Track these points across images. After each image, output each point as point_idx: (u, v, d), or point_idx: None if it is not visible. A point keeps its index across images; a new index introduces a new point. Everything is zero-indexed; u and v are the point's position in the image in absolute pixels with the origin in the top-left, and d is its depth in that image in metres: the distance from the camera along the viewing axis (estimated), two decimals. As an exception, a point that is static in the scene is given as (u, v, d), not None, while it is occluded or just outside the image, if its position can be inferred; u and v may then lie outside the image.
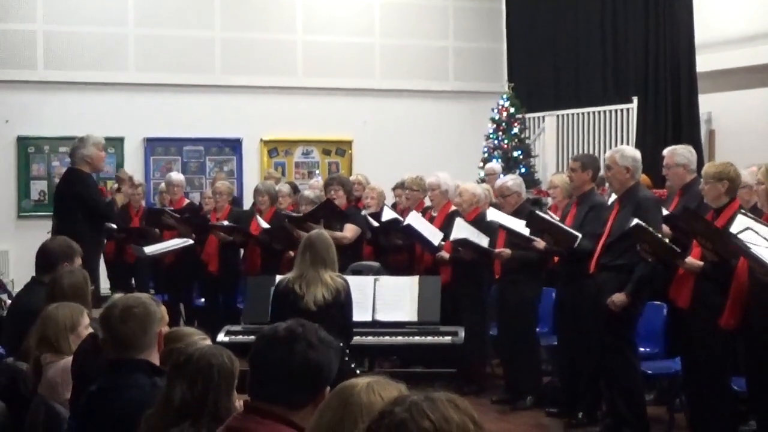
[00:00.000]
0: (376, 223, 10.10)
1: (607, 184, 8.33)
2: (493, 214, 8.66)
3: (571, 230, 7.88)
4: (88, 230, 8.91)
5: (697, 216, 6.80)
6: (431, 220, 9.72)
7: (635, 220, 6.97)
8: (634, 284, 7.29)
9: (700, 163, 8.25)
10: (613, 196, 8.22)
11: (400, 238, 9.92)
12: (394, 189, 11.35)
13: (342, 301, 6.63)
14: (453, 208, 9.66)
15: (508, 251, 8.67)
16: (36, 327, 5.03)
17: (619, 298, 7.29)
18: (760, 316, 6.21)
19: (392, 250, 10.11)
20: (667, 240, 7.09)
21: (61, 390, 4.71)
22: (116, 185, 10.04)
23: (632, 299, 7.32)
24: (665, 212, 7.54)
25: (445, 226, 9.38)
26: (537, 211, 8.27)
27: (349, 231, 9.74)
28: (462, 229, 8.93)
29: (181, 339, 4.12)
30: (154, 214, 11.70)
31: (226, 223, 10.81)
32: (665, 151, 8.11)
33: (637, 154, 7.77)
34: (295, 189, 12.10)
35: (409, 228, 9.36)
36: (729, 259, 6.47)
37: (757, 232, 6.06)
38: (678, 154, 7.94)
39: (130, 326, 3.96)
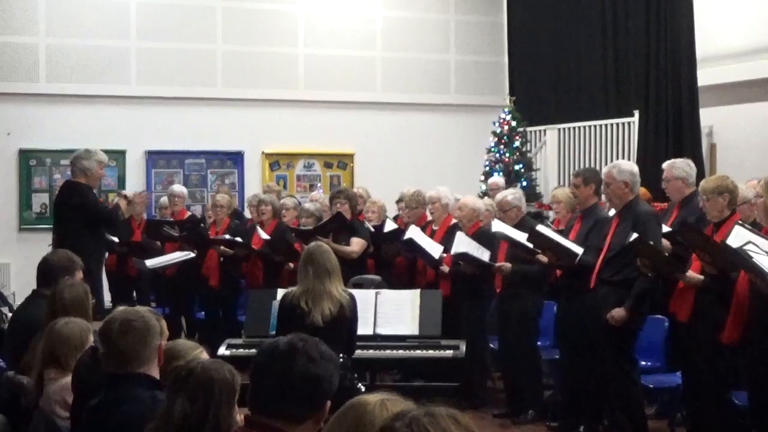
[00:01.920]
0: (372, 229, 10.12)
1: (604, 197, 8.31)
2: (498, 226, 8.65)
3: (572, 247, 7.86)
4: (89, 243, 8.94)
5: (695, 230, 6.80)
6: (432, 234, 9.71)
7: (635, 234, 6.97)
8: (633, 299, 7.28)
9: (702, 177, 8.25)
10: (612, 210, 8.23)
11: (402, 251, 9.93)
12: (397, 203, 11.34)
13: (349, 317, 6.58)
14: (454, 221, 9.65)
15: (508, 265, 8.65)
16: (42, 341, 5.00)
17: (618, 313, 7.29)
18: (761, 330, 6.20)
19: (393, 255, 10.12)
20: (667, 254, 7.09)
21: (60, 408, 4.70)
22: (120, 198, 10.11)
23: (632, 314, 7.31)
24: (665, 227, 7.55)
25: (447, 240, 9.37)
26: (539, 227, 8.25)
27: (356, 245, 9.73)
28: (462, 243, 8.92)
29: (179, 355, 4.11)
30: (153, 225, 11.73)
31: (227, 236, 10.81)
32: (664, 165, 8.14)
33: (634, 167, 7.77)
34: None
35: (411, 242, 9.35)
36: (729, 272, 6.47)
37: (757, 245, 6.05)
38: (676, 167, 7.97)
39: (130, 340, 3.95)
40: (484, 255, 8.87)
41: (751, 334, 6.28)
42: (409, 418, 2.20)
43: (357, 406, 2.71)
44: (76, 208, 9.12)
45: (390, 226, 10.14)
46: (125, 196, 9.90)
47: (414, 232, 9.46)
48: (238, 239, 10.70)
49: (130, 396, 3.87)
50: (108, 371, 4.01)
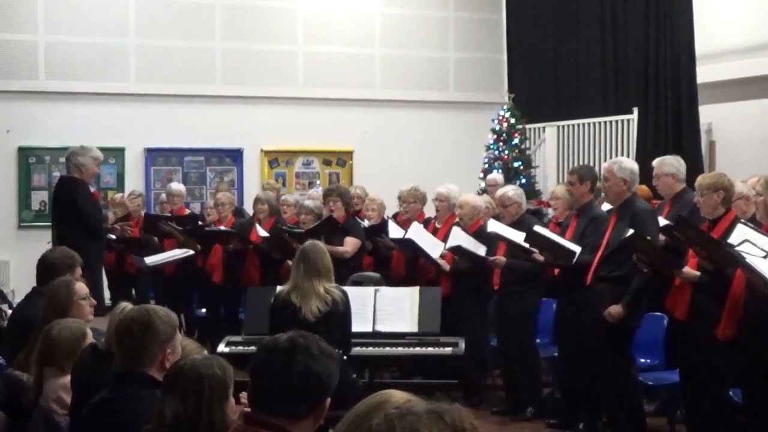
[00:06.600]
0: (366, 225, 10.10)
1: (603, 194, 8.32)
2: (493, 226, 8.64)
3: (570, 246, 7.85)
4: (88, 239, 8.92)
5: (690, 224, 6.80)
6: (435, 231, 9.66)
7: (632, 230, 6.97)
8: (630, 296, 7.27)
9: (700, 174, 8.25)
10: (605, 205, 8.26)
11: (402, 250, 9.88)
12: (399, 199, 11.23)
13: (341, 312, 6.65)
14: (458, 219, 9.62)
15: (502, 259, 8.63)
16: (37, 345, 4.99)
17: (615, 309, 7.27)
18: (756, 327, 6.20)
19: (390, 248, 10.08)
20: (663, 250, 7.09)
21: (57, 406, 4.69)
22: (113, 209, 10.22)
23: (629, 311, 7.31)
24: (664, 222, 7.54)
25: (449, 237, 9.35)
26: (536, 228, 8.24)
27: (350, 245, 9.74)
28: (458, 237, 8.92)
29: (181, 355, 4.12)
30: (151, 219, 11.73)
31: (223, 228, 10.80)
32: (654, 162, 8.19)
33: (635, 166, 7.76)
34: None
35: (411, 242, 9.32)
36: (725, 268, 6.46)
37: (754, 244, 6.04)
38: (666, 164, 8.01)
39: (136, 339, 3.92)
40: (479, 250, 8.86)
41: (746, 330, 6.28)
42: (386, 416, 2.20)
43: (381, 396, 2.69)
44: (73, 205, 9.11)
45: (394, 230, 9.97)
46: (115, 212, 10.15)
47: (414, 232, 9.41)
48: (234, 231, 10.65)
49: (132, 395, 3.85)
50: (115, 369, 4.00)
